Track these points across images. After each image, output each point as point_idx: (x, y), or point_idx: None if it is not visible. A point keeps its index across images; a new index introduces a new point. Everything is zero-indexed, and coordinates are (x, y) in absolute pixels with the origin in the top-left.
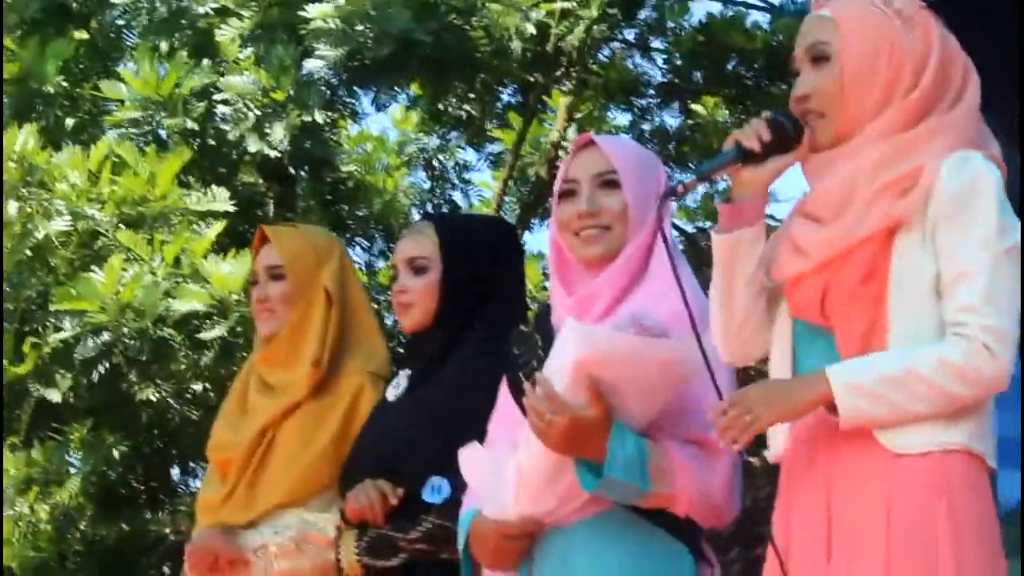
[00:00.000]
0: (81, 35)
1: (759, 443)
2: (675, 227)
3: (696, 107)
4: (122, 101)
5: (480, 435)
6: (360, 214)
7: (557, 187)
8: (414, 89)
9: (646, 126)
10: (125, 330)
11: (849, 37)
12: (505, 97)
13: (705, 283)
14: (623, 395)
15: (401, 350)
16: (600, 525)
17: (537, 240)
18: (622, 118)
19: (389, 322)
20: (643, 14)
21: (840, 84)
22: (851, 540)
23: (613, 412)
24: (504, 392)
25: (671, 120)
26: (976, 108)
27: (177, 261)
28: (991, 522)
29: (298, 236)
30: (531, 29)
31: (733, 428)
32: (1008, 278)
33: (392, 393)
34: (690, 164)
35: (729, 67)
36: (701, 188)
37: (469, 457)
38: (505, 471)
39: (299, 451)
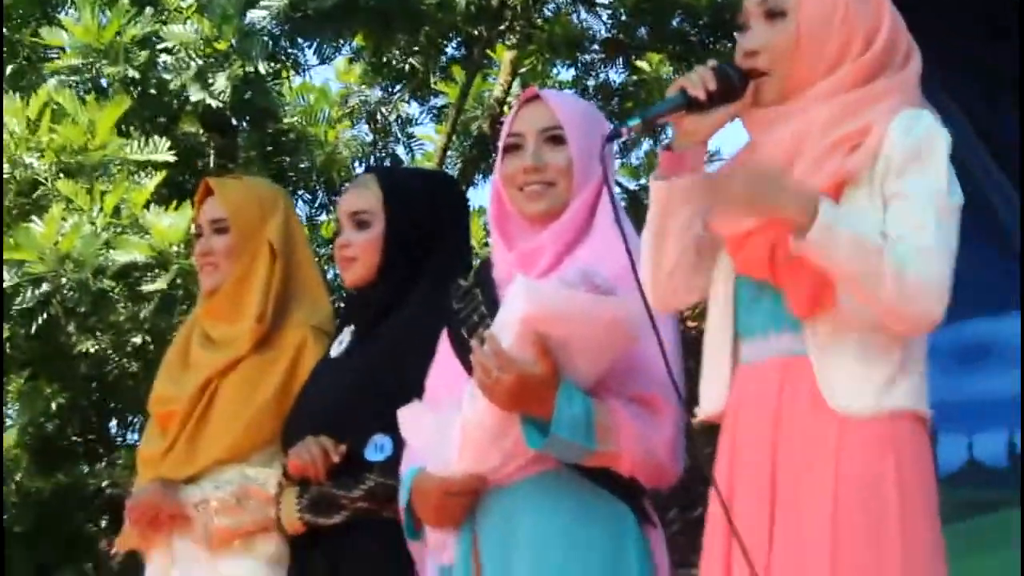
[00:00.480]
0: None
1: (695, 402)
2: (618, 184)
3: (640, 63)
4: (63, 48)
5: (422, 391)
6: (302, 166)
7: (502, 141)
8: (357, 41)
9: (590, 82)
10: (64, 281)
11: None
12: (449, 51)
13: None
14: (571, 352)
15: (343, 305)
16: (544, 484)
17: (480, 195)
18: (566, 73)
19: (331, 275)
20: None
21: (795, 42)
22: (797, 501)
23: (561, 370)
24: (444, 347)
25: (615, 76)
26: (918, 75)
27: (117, 211)
28: (932, 484)
29: (242, 189)
30: None
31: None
32: (950, 231)
33: (336, 349)
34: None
35: (674, 23)
36: (645, 144)
37: (410, 415)
38: (449, 428)
39: (241, 406)
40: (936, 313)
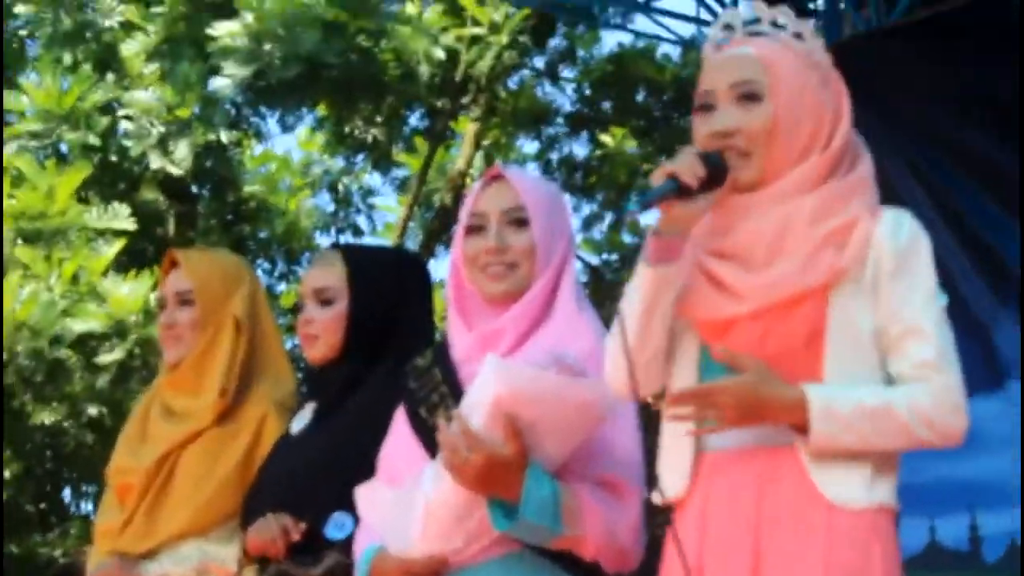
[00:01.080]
0: None
1: (654, 480)
2: (580, 259)
3: (604, 137)
4: (23, 113)
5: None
6: (262, 235)
7: (463, 220)
8: (320, 110)
9: (554, 155)
10: (20, 349)
11: (780, 80)
12: (412, 122)
13: (608, 317)
14: (540, 434)
15: (305, 380)
16: (507, 566)
17: (441, 268)
18: (530, 147)
19: (288, 345)
20: (553, 42)
21: (772, 126)
22: None
23: (529, 451)
24: (400, 425)
25: (579, 149)
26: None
27: (75, 279)
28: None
29: (208, 261)
30: (440, 54)
31: (694, 417)
32: (950, 337)
33: (296, 426)
34: (597, 195)
35: (638, 98)
36: (608, 217)
37: (367, 492)
38: (408, 506)
39: (201, 479)
40: (964, 425)
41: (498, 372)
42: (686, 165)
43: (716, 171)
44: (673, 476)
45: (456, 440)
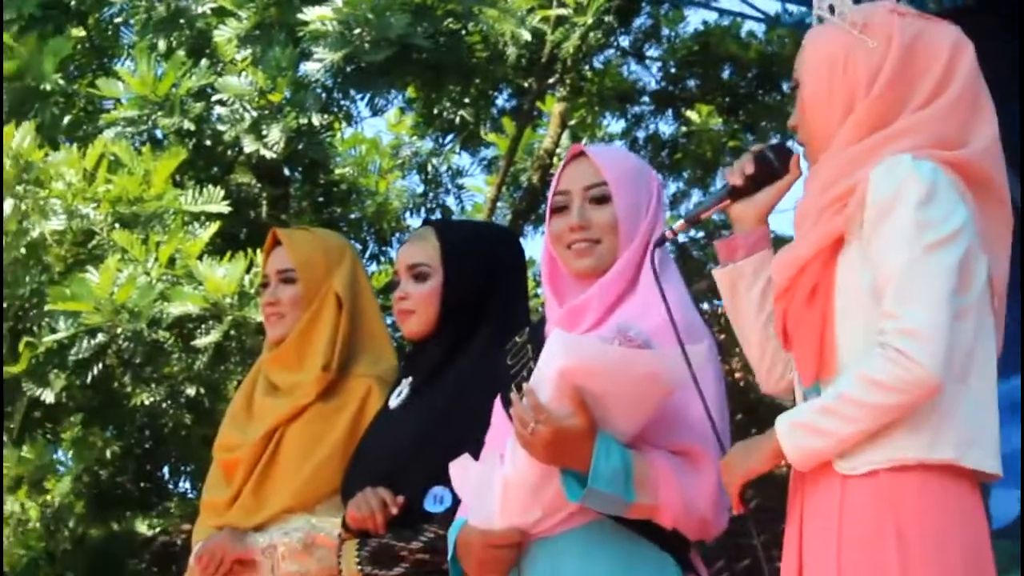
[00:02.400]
0: (79, 32)
1: None
2: None
3: (690, 114)
4: (119, 100)
5: (480, 444)
6: (352, 217)
7: (550, 199)
8: (410, 92)
9: (640, 133)
10: (119, 331)
11: (808, 60)
12: (500, 102)
13: (696, 293)
14: (608, 406)
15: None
16: (587, 536)
17: (530, 247)
18: (616, 125)
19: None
20: (638, 21)
21: (803, 108)
22: (814, 569)
23: (599, 423)
24: (497, 404)
25: (665, 127)
26: (958, 102)
27: (171, 262)
28: (958, 538)
29: (310, 240)
30: (526, 35)
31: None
32: (927, 275)
33: (394, 401)
34: (683, 172)
35: (723, 76)
36: (696, 195)
37: (459, 469)
38: (491, 481)
39: (306, 455)
40: (926, 378)
41: (562, 345)
42: (736, 167)
43: (767, 164)
44: None
45: (525, 413)
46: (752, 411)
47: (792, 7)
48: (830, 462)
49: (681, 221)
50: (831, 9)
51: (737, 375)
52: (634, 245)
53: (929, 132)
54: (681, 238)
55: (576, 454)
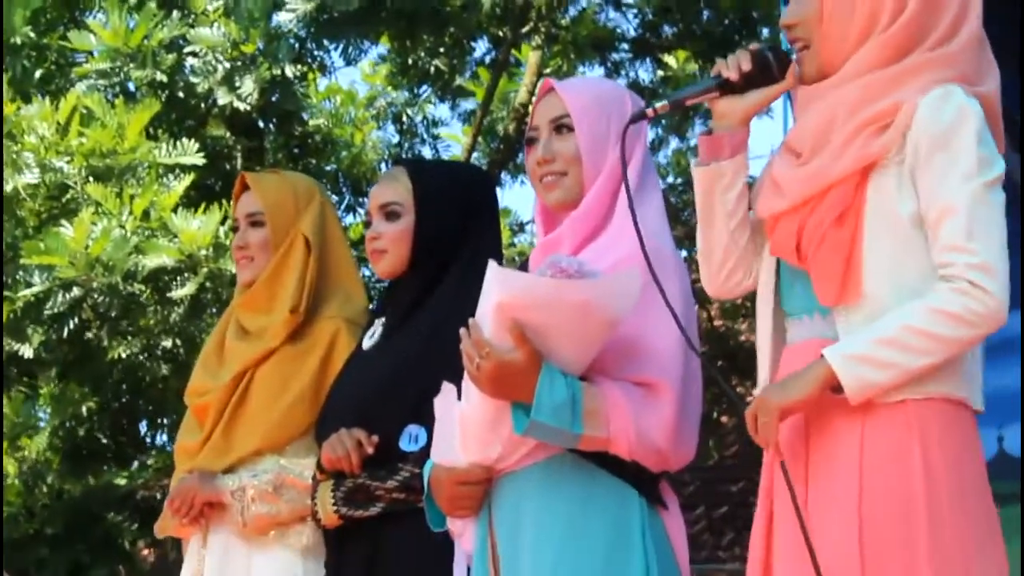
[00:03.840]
0: None
1: (725, 399)
2: None
3: (667, 59)
4: (91, 52)
5: (454, 383)
6: (328, 168)
7: (526, 136)
8: (383, 42)
9: (620, 81)
10: (95, 285)
11: None
12: (477, 53)
13: (675, 239)
14: (552, 339)
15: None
16: (547, 470)
17: (506, 196)
18: (594, 73)
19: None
20: None
21: (820, 12)
22: (826, 488)
23: (545, 355)
24: None
25: (644, 75)
26: (974, 40)
27: (146, 215)
28: (969, 465)
29: (278, 183)
30: None
31: (760, 435)
32: (990, 211)
33: (368, 342)
34: (661, 119)
35: (700, 20)
36: (673, 142)
37: (441, 402)
38: (451, 417)
39: (276, 396)
40: (997, 312)
41: (495, 279)
42: (732, 60)
43: (766, 66)
44: (761, 371)
45: (470, 348)
46: (731, 357)
47: None
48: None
49: (663, 102)
50: None
51: (716, 323)
52: (604, 176)
53: (959, 65)
54: (661, 185)
55: (521, 388)
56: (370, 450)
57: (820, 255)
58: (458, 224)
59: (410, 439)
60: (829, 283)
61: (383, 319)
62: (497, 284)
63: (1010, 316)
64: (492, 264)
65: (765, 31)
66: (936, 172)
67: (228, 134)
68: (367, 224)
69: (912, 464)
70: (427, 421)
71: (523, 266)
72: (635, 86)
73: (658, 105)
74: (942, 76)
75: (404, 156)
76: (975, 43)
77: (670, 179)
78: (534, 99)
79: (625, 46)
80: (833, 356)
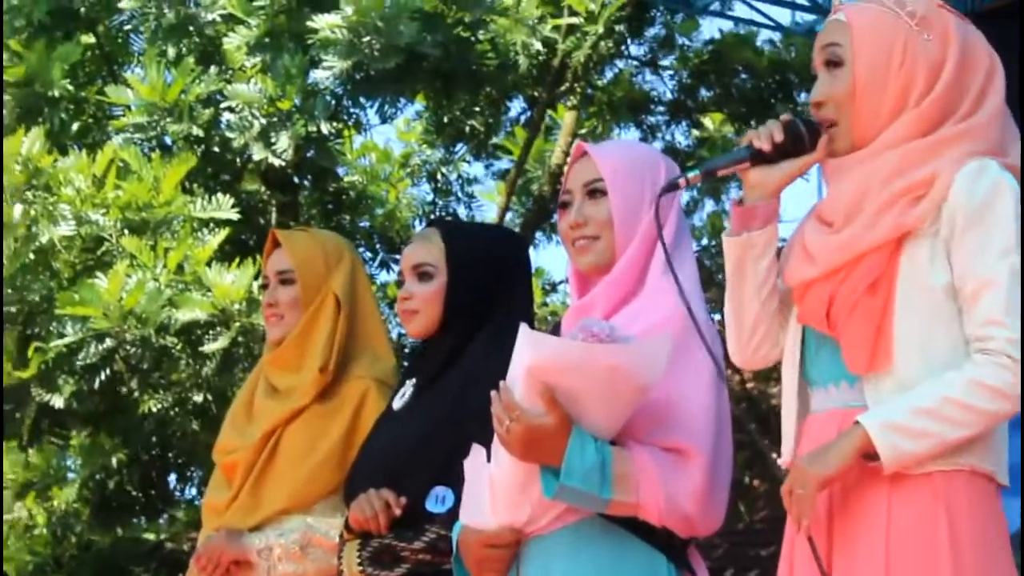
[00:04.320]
0: (88, 39)
1: (757, 464)
2: None
3: (704, 120)
4: (128, 106)
5: (483, 445)
6: (362, 225)
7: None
8: (419, 100)
9: (656, 143)
10: (128, 337)
11: (861, 41)
12: (513, 112)
13: (711, 301)
14: (582, 403)
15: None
16: (579, 533)
17: (540, 257)
18: (630, 135)
19: (394, 335)
20: (652, 31)
21: (852, 90)
22: (850, 559)
23: (575, 419)
24: None
25: (681, 137)
26: (999, 112)
27: (180, 268)
28: (994, 539)
29: (309, 241)
30: (537, 45)
31: (796, 508)
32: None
33: (398, 402)
34: (699, 184)
35: (736, 83)
36: (709, 205)
37: (471, 464)
38: (481, 479)
39: (304, 455)
40: None
41: (526, 342)
42: (764, 131)
43: (798, 137)
44: (786, 442)
45: (501, 411)
46: (763, 421)
47: (801, 16)
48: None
49: (696, 172)
50: None
51: (749, 385)
52: (637, 241)
53: (988, 136)
54: (694, 247)
55: (551, 451)
56: (398, 511)
57: (851, 323)
58: (490, 286)
59: (437, 500)
60: (860, 351)
61: (414, 380)
62: (528, 347)
63: None
64: (523, 327)
65: (803, 95)
66: (973, 246)
67: (263, 189)
68: (399, 284)
69: (939, 535)
70: (454, 482)
71: (555, 330)
72: (671, 149)
73: (691, 175)
74: (974, 148)
75: (438, 214)
76: (999, 113)
77: (704, 241)
78: (568, 161)
79: (661, 108)
80: (870, 424)
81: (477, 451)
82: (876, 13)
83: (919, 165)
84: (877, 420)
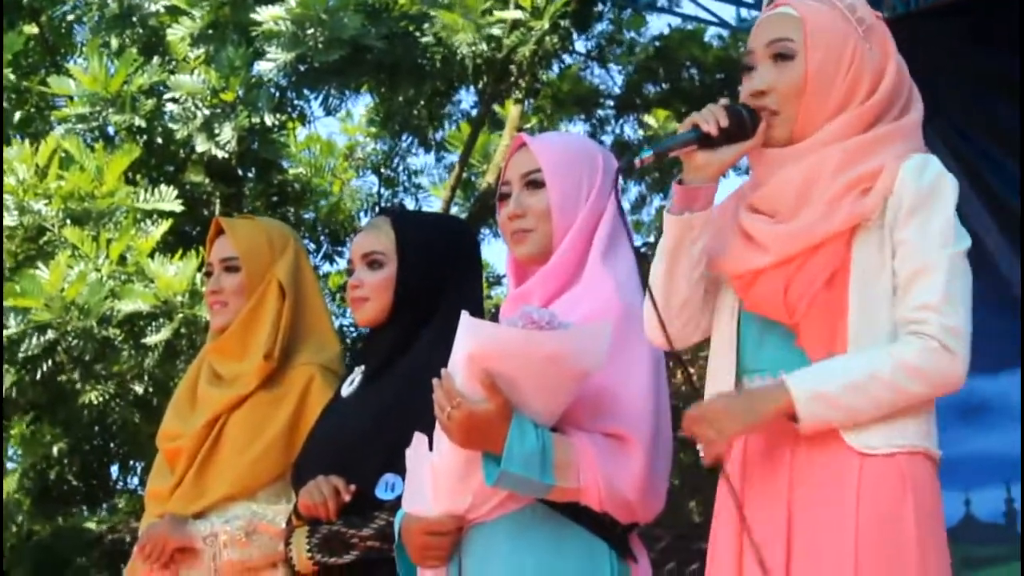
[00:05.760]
0: (31, 29)
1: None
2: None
3: (648, 119)
4: (71, 97)
5: (430, 432)
6: (306, 217)
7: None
8: (365, 89)
9: (606, 138)
10: (69, 328)
11: (815, 38)
12: (463, 105)
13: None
14: (523, 390)
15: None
16: (517, 521)
17: (485, 250)
18: (576, 129)
19: (338, 324)
20: (600, 27)
21: (802, 85)
22: (815, 539)
23: (516, 406)
24: None
25: (630, 132)
26: (920, 121)
27: (122, 260)
28: (943, 521)
29: (253, 228)
30: (483, 46)
31: (707, 450)
32: (964, 281)
33: (347, 389)
34: (645, 176)
35: (684, 79)
36: (657, 201)
37: (413, 452)
38: (422, 467)
39: (248, 442)
40: (959, 370)
41: (466, 330)
42: (709, 115)
43: (741, 123)
44: None
45: (442, 398)
46: None
47: (746, 12)
48: (839, 437)
49: (648, 153)
50: None
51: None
52: (573, 231)
53: (915, 137)
54: (638, 241)
55: (492, 438)
56: (347, 498)
57: (812, 315)
58: (440, 275)
59: (386, 487)
60: (820, 339)
61: (362, 367)
62: (468, 334)
63: (985, 382)
64: (464, 315)
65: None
66: (914, 231)
67: (207, 181)
68: (349, 272)
69: (906, 515)
70: (403, 470)
71: (494, 317)
72: (620, 143)
73: (644, 156)
74: (912, 146)
75: (383, 206)
76: (919, 123)
77: (651, 238)
78: (507, 153)
79: (610, 103)
80: (798, 392)
81: (419, 439)
82: (831, 15)
83: (865, 158)
84: (806, 389)
